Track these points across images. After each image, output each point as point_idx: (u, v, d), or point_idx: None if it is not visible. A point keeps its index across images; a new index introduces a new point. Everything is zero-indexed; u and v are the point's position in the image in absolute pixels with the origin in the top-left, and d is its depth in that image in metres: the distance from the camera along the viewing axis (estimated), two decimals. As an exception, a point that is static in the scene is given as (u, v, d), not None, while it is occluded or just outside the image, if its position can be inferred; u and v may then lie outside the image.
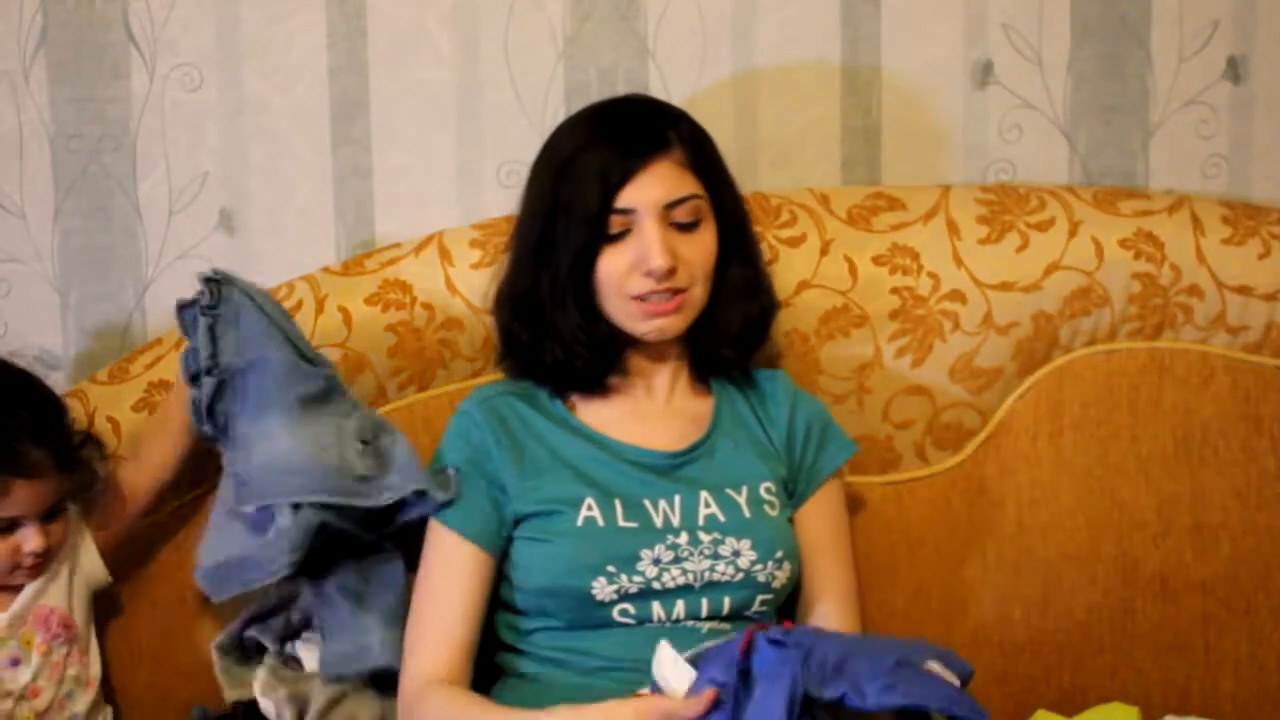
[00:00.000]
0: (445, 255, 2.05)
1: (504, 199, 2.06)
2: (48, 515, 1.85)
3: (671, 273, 1.77)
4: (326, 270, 2.09)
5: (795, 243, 2.06)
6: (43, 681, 1.87)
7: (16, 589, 1.88)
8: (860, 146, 2.18)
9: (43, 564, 1.86)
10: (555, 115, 2.09)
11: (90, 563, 1.93)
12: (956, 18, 2.17)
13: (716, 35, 2.15)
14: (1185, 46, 2.18)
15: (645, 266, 1.76)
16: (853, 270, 2.05)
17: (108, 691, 1.97)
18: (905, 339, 2.05)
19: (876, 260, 2.05)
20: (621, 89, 2.11)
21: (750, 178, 2.14)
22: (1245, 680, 2.06)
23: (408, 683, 1.77)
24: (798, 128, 2.17)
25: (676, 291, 1.80)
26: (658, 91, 2.13)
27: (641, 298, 1.80)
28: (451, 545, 1.80)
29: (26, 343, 2.11)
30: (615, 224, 1.77)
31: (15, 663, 1.85)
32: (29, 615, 1.87)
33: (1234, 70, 2.19)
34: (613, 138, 1.80)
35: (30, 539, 1.83)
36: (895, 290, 2.05)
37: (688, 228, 1.80)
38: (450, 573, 1.79)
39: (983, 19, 2.17)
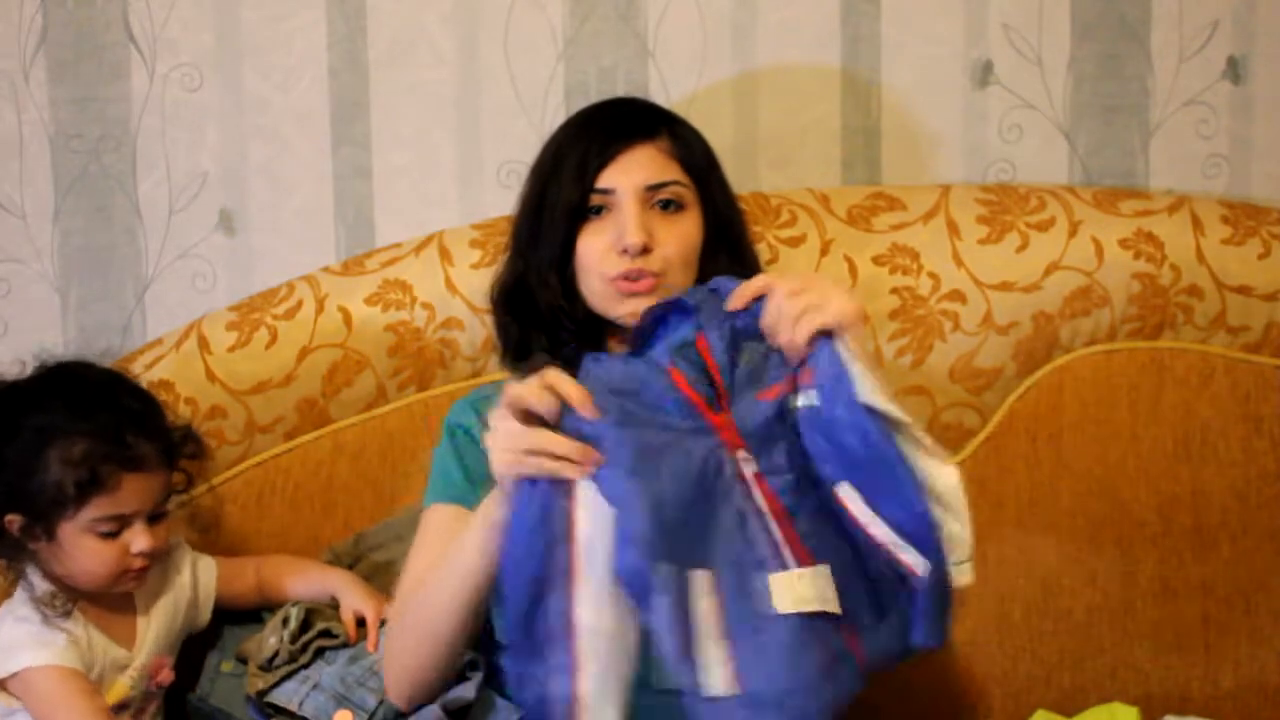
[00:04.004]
0: (445, 255, 2.05)
1: (504, 199, 2.06)
2: (154, 516, 1.82)
3: (646, 252, 1.76)
4: (326, 270, 2.09)
5: (795, 243, 2.06)
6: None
7: (124, 604, 1.87)
8: (860, 146, 2.18)
9: (147, 569, 1.83)
10: (555, 115, 2.10)
11: (204, 605, 1.95)
12: (956, 18, 2.17)
13: (716, 35, 2.15)
14: (1185, 46, 2.18)
15: (620, 244, 1.75)
16: (853, 270, 2.05)
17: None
18: (905, 339, 2.05)
19: (876, 260, 2.05)
20: (621, 89, 2.12)
21: (750, 178, 2.14)
22: (1245, 680, 2.06)
23: (401, 586, 1.75)
24: (798, 128, 2.17)
25: (653, 275, 1.79)
26: (657, 91, 2.13)
27: (617, 279, 1.79)
28: (438, 515, 1.79)
29: (26, 343, 2.11)
30: (596, 203, 1.77)
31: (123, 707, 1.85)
32: (149, 664, 1.87)
33: (1234, 70, 2.19)
34: (601, 126, 1.80)
35: (139, 539, 1.79)
36: (895, 290, 2.05)
37: (669, 212, 1.78)
38: (439, 532, 1.76)
39: (983, 19, 2.17)
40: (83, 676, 1.78)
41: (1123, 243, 2.06)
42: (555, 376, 1.48)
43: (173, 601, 1.90)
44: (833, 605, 1.46)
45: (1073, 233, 2.06)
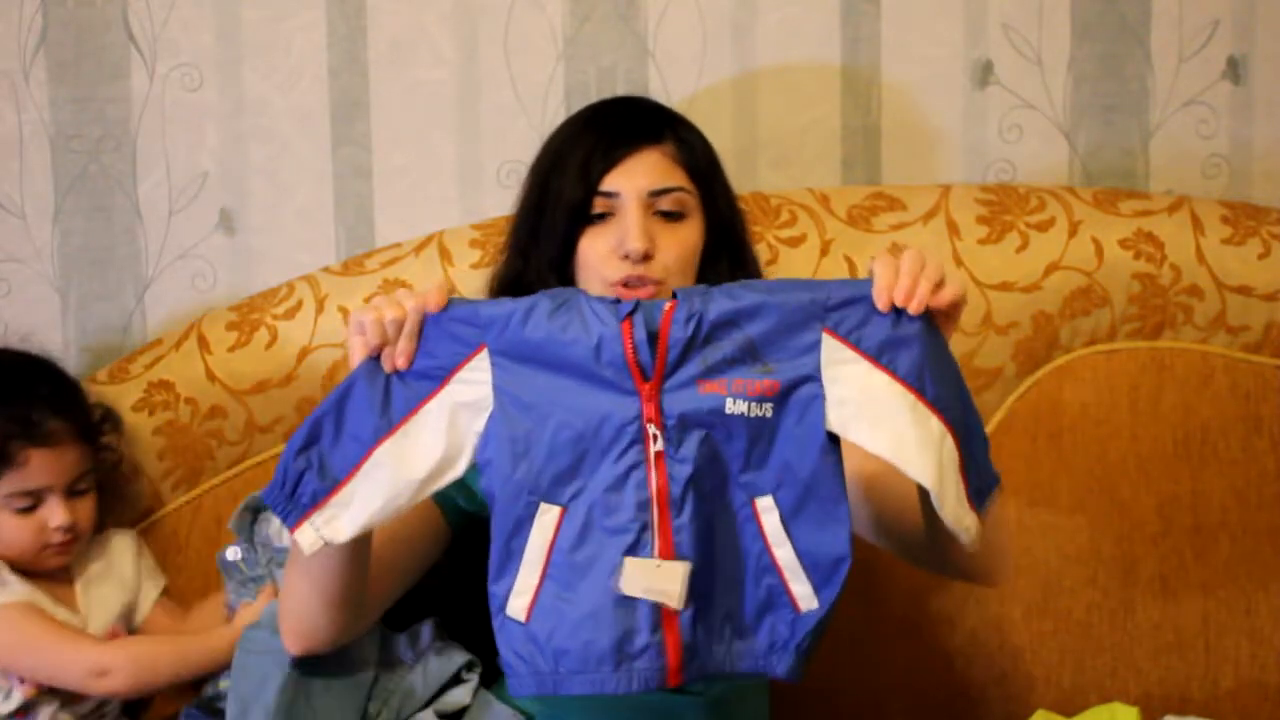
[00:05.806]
0: (445, 255, 2.05)
1: (504, 199, 2.06)
2: (73, 491, 1.86)
3: (647, 258, 1.76)
4: (326, 270, 2.09)
5: (795, 243, 2.06)
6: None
7: (60, 578, 1.89)
8: (860, 146, 2.18)
9: (71, 544, 1.86)
10: (555, 115, 2.10)
11: (139, 609, 1.96)
12: (956, 18, 2.17)
13: (716, 35, 2.15)
14: (1185, 46, 2.18)
15: (622, 249, 1.75)
16: (852, 270, 2.05)
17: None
18: (905, 339, 2.05)
19: (876, 260, 2.05)
20: (621, 89, 2.12)
21: (750, 178, 2.14)
22: (1245, 680, 2.06)
23: None
24: (798, 128, 2.17)
25: (654, 282, 1.78)
26: (657, 91, 2.13)
27: (618, 285, 1.78)
28: None
29: (26, 343, 2.11)
30: (599, 206, 1.77)
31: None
32: (102, 634, 1.89)
33: (1234, 70, 2.19)
34: (605, 127, 1.80)
35: (56, 513, 1.83)
36: (895, 290, 2.05)
37: (671, 219, 1.78)
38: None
39: (983, 19, 2.17)
40: (40, 610, 1.83)
41: (1123, 243, 2.06)
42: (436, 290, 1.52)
43: (117, 582, 1.93)
44: (674, 602, 1.45)
45: (1073, 233, 2.06)
